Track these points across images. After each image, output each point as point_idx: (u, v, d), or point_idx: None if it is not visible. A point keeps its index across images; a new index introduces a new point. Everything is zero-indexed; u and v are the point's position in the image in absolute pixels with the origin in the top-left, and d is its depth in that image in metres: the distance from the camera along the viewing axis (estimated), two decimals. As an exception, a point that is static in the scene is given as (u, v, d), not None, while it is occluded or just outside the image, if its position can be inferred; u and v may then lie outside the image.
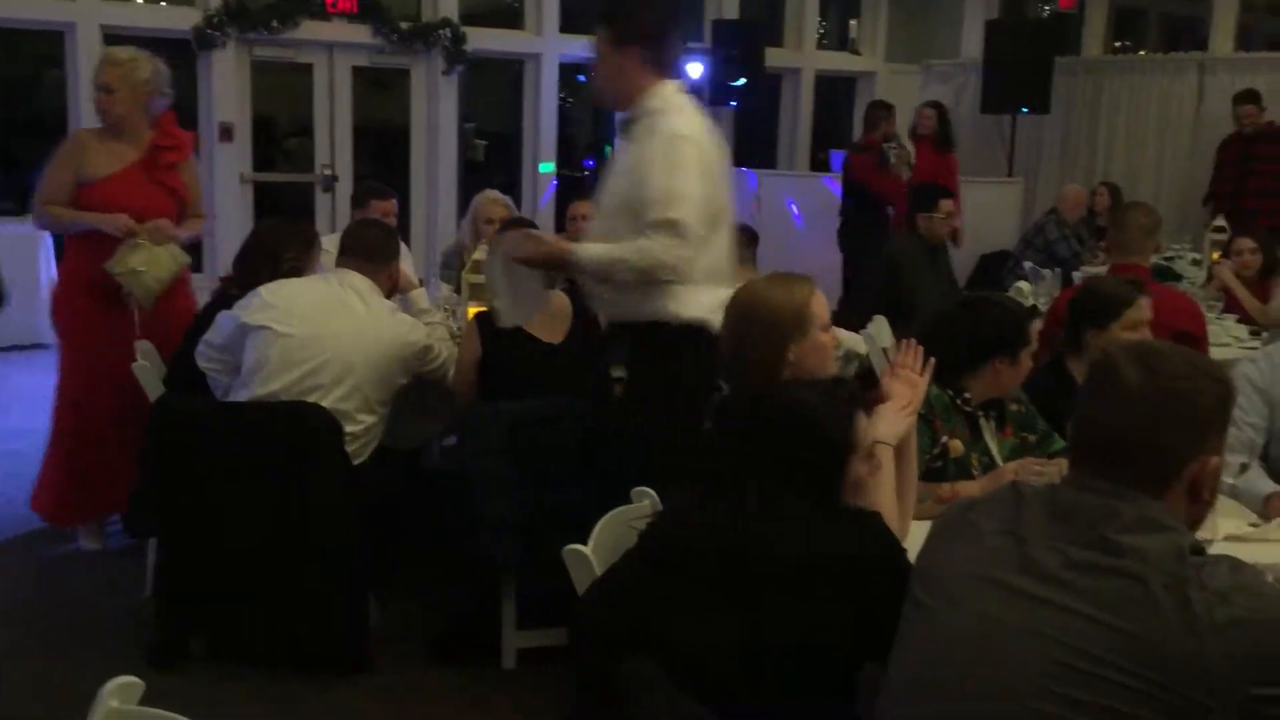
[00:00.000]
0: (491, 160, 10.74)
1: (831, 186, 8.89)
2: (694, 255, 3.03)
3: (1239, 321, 5.35)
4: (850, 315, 5.27)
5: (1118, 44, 10.42)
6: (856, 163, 7.99)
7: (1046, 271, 5.96)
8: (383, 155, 9.02)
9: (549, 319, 3.57)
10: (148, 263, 3.95)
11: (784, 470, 1.86)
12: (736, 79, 9.14)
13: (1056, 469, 2.35)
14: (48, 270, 7.13)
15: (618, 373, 3.58)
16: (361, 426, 3.44)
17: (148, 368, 3.74)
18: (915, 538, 1.84)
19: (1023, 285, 5.83)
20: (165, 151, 4.13)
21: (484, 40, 8.59)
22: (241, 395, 3.38)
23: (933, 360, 2.40)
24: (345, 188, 7.95)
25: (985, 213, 8.37)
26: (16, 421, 5.61)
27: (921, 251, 5.72)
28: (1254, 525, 2.64)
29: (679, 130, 3.07)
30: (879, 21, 10.65)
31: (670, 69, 3.20)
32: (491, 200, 4.92)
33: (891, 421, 2.27)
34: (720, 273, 3.16)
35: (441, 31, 8.31)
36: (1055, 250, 7.47)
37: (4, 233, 7.10)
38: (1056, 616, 1.48)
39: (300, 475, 3.20)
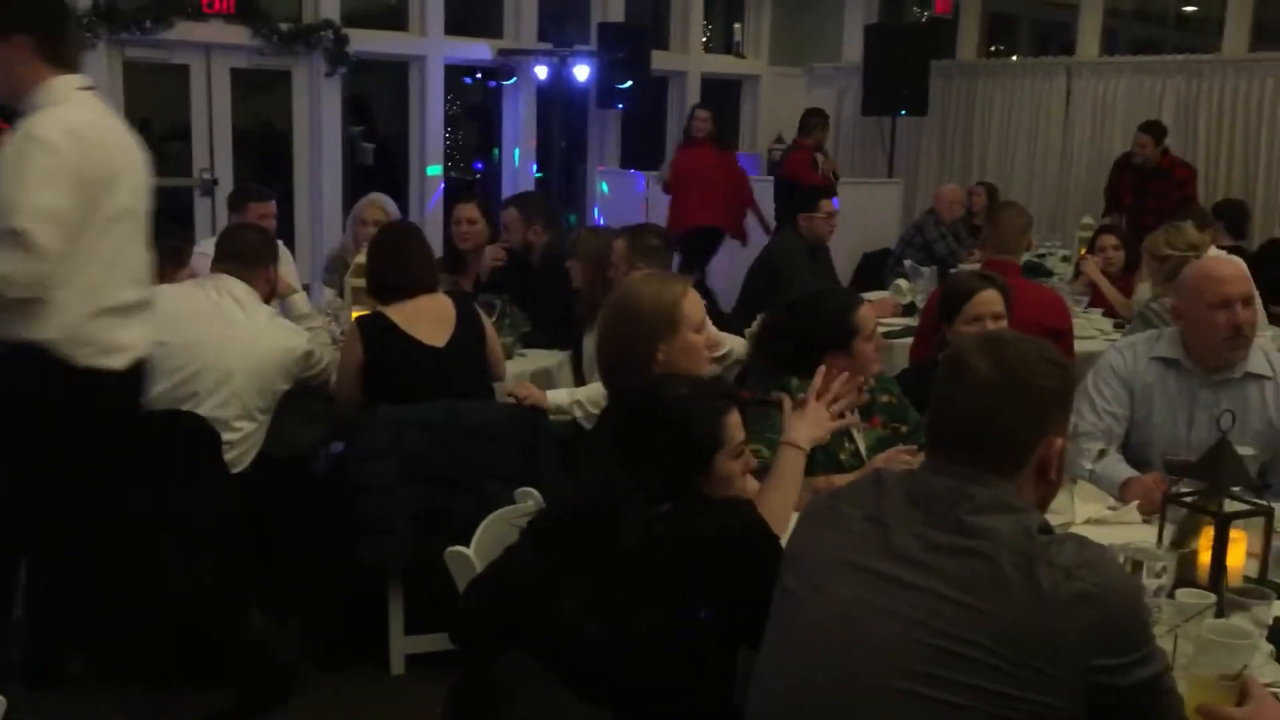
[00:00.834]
0: (380, 164, 10.61)
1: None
2: (53, 270, 2.71)
3: (1104, 315, 5.59)
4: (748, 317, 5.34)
5: (991, 48, 10.75)
6: (795, 160, 8.17)
7: (925, 269, 6.12)
8: (265, 159, 8.84)
9: (433, 322, 3.56)
10: None
11: (655, 463, 1.90)
12: (623, 82, 9.19)
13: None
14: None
15: None
16: (240, 434, 3.38)
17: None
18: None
19: (901, 283, 5.98)
20: None
21: (367, 42, 8.48)
22: (115, 405, 3.29)
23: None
24: (225, 192, 7.76)
25: (866, 212, 8.55)
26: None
27: (803, 251, 5.83)
28: (1112, 509, 2.77)
29: (32, 132, 2.75)
30: (762, 25, 10.81)
31: (65, 61, 2.88)
32: (371, 204, 4.89)
33: (811, 425, 2.33)
34: (103, 290, 2.86)
35: (323, 33, 8.18)
36: (933, 249, 7.67)
37: None
38: (917, 598, 1.54)
39: (177, 484, 3.14)
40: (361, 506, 3.26)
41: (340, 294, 4.35)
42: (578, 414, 3.38)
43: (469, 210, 5.12)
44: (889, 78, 9.31)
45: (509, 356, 4.11)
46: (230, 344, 3.38)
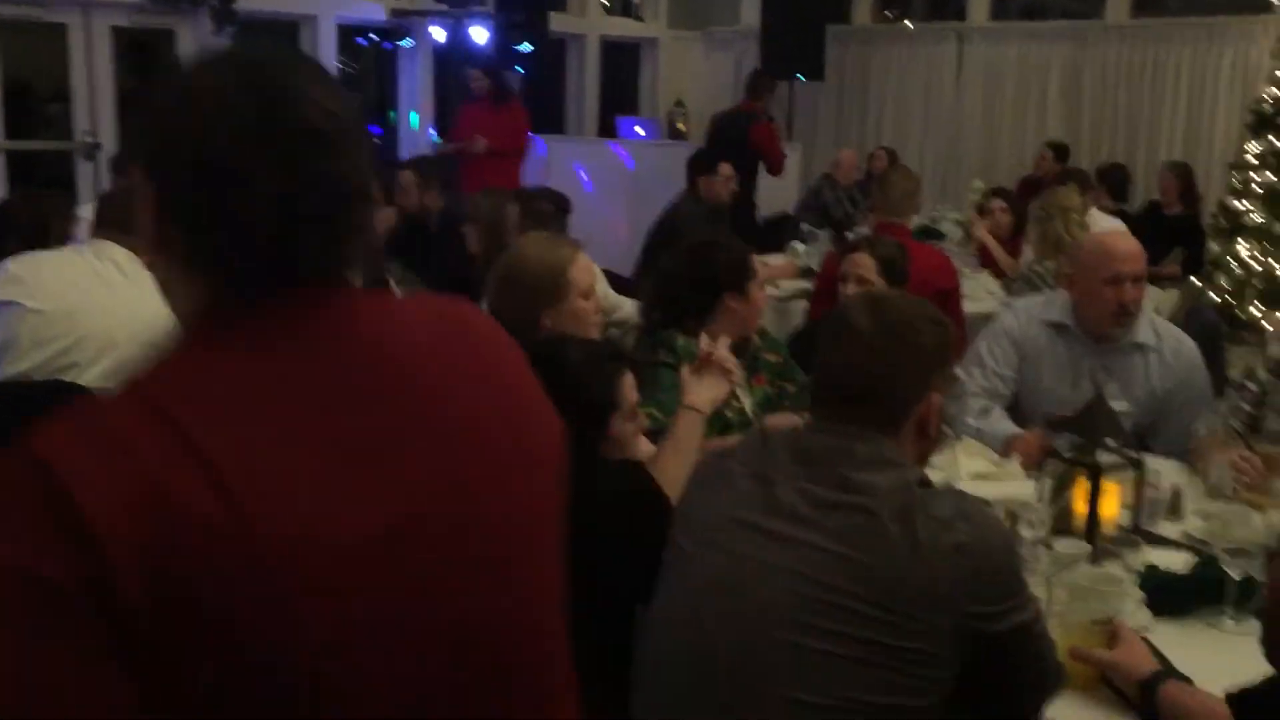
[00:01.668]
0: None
1: (619, 153, 8.99)
2: None
3: (993, 276, 5.73)
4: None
5: (886, 13, 10.87)
6: (765, 131, 8.10)
7: (821, 233, 6.21)
8: (150, 121, 8.57)
9: None
10: None
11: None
12: (521, 44, 9.10)
13: None
14: None
15: None
16: (127, 405, 3.29)
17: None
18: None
19: (798, 246, 6.06)
20: None
21: (256, 0, 8.24)
22: (-9, 377, 3.18)
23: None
24: (108, 155, 7.51)
25: (766, 177, 8.62)
26: None
27: (702, 215, 5.86)
28: (995, 464, 2.86)
29: None
30: (661, -12, 10.79)
31: None
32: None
33: (710, 387, 2.35)
34: None
35: (209, -9, 7.92)
36: (830, 212, 7.78)
37: None
38: (801, 552, 1.57)
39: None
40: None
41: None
42: None
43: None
44: (786, 42, 9.36)
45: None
46: (113, 311, 3.27)
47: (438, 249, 4.69)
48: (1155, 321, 3.23)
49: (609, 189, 8.71)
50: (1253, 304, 7.60)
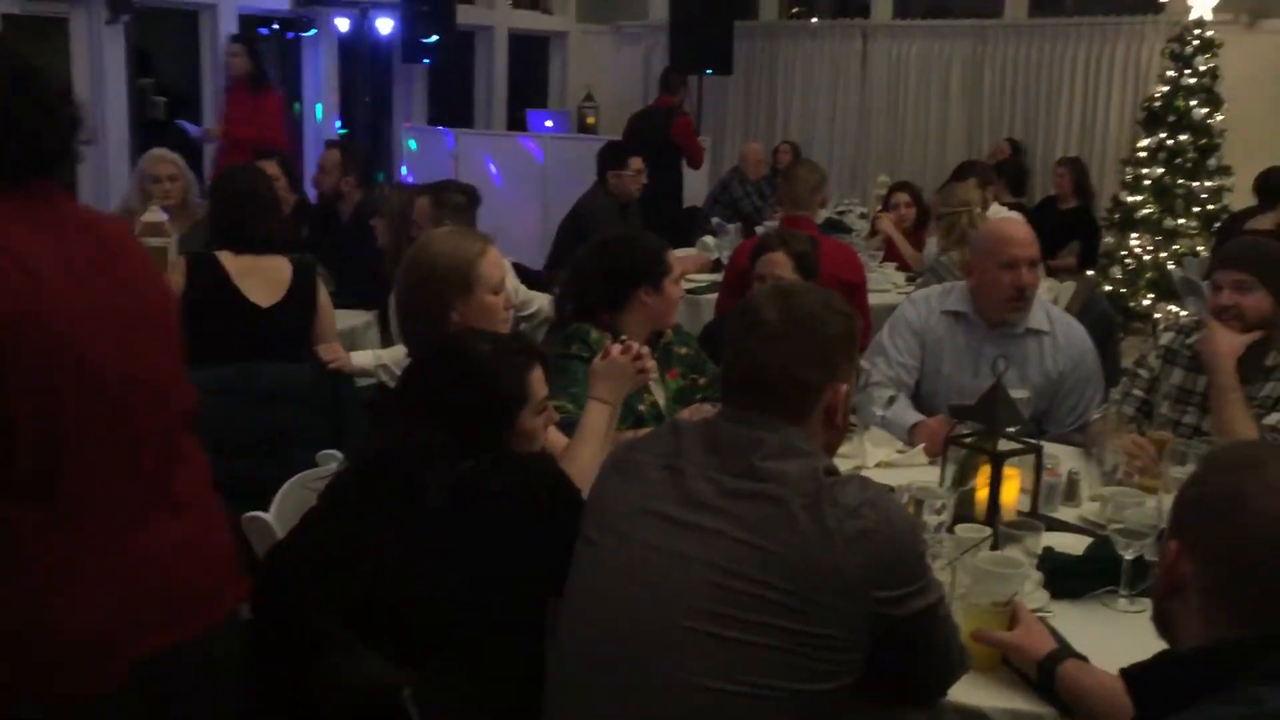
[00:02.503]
0: (175, 118, 10.08)
1: (529, 146, 8.95)
2: None
3: (898, 269, 5.84)
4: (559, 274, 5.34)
5: (793, 9, 10.98)
6: (685, 125, 8.11)
7: (730, 226, 6.26)
8: (41, 112, 8.28)
9: (263, 281, 3.44)
10: None
11: (459, 420, 1.89)
12: (429, 36, 8.99)
13: None
14: None
15: None
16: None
17: None
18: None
19: (708, 239, 6.10)
20: None
21: (152, -11, 8.02)
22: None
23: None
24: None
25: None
26: None
27: (613, 209, 5.87)
28: (901, 452, 2.92)
29: None
30: (570, -19, 10.77)
31: None
32: (159, 159, 4.65)
33: (616, 379, 2.35)
34: None
35: (102, -22, 7.69)
36: (739, 206, 7.85)
37: None
38: (711, 541, 1.59)
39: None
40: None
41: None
42: (383, 376, 3.32)
43: (269, 168, 4.95)
44: (695, 36, 9.40)
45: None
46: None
47: (348, 240, 4.62)
48: (1048, 307, 3.35)
49: (519, 182, 8.67)
50: (1145, 295, 7.88)
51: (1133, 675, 1.32)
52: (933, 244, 5.38)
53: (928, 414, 3.11)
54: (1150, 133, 7.90)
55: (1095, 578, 2.13)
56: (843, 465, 2.09)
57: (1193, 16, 7.79)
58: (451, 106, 10.27)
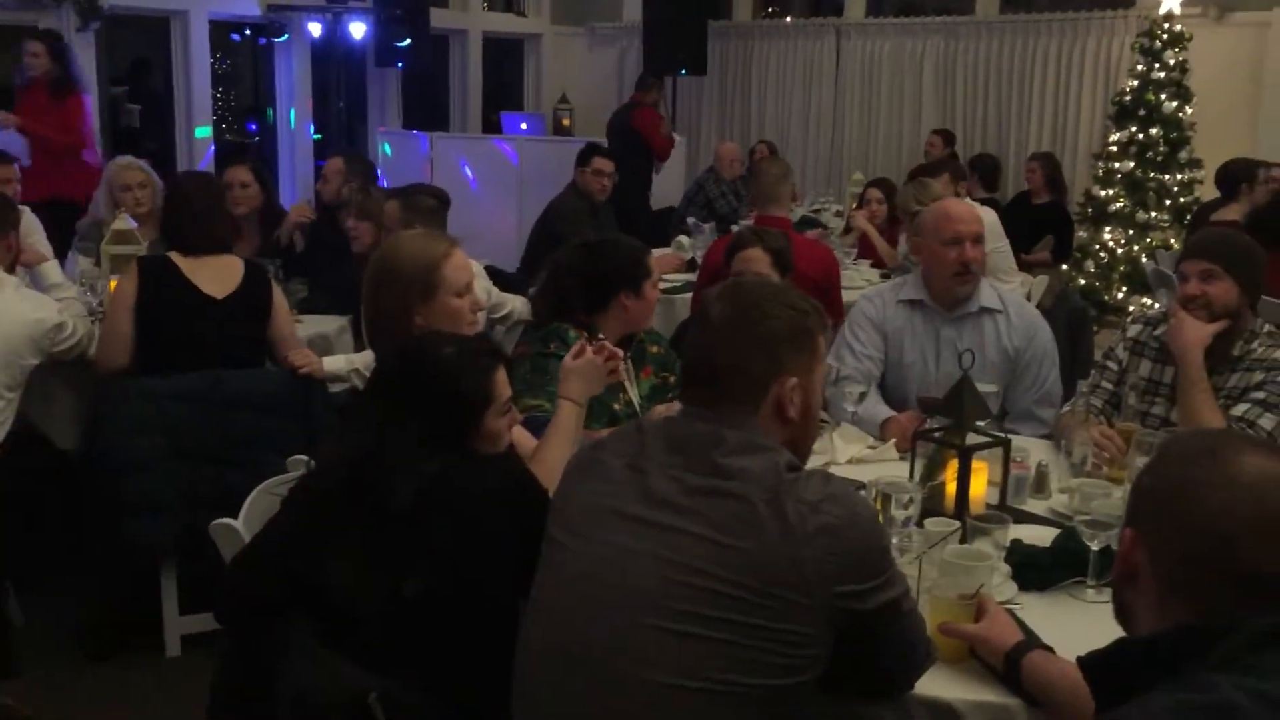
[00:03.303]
0: (148, 125, 10.04)
1: (504, 149, 8.93)
2: None
3: (872, 266, 5.86)
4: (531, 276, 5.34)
5: (768, 9, 11.00)
6: (647, 116, 8.14)
7: (706, 226, 6.26)
8: (12, 121, 8.21)
9: (215, 275, 3.46)
10: None
11: (424, 422, 1.89)
12: (402, 40, 8.97)
13: None
14: None
15: None
16: (-14, 413, 3.20)
17: None
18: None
19: (683, 239, 6.09)
20: None
21: (123, -5, 7.97)
22: None
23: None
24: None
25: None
26: None
27: (584, 208, 5.87)
28: (872, 448, 2.93)
29: None
30: (543, -17, 10.76)
31: None
32: (125, 167, 4.62)
33: (585, 378, 2.35)
34: None
35: (72, -15, 7.63)
36: (715, 206, 7.85)
37: None
38: (675, 539, 1.59)
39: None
40: (125, 485, 3.11)
41: (97, 262, 4.11)
42: (356, 381, 3.32)
43: (241, 173, 4.94)
44: (669, 37, 9.41)
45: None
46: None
47: (346, 248, 4.59)
48: (998, 287, 3.43)
49: (494, 185, 8.66)
50: (1118, 288, 7.92)
51: (1089, 663, 1.33)
52: (905, 241, 5.39)
53: (895, 406, 3.14)
54: (1121, 127, 7.95)
55: (1063, 569, 2.14)
56: (814, 462, 2.10)
57: (1162, 11, 7.85)
58: (426, 110, 10.24)
